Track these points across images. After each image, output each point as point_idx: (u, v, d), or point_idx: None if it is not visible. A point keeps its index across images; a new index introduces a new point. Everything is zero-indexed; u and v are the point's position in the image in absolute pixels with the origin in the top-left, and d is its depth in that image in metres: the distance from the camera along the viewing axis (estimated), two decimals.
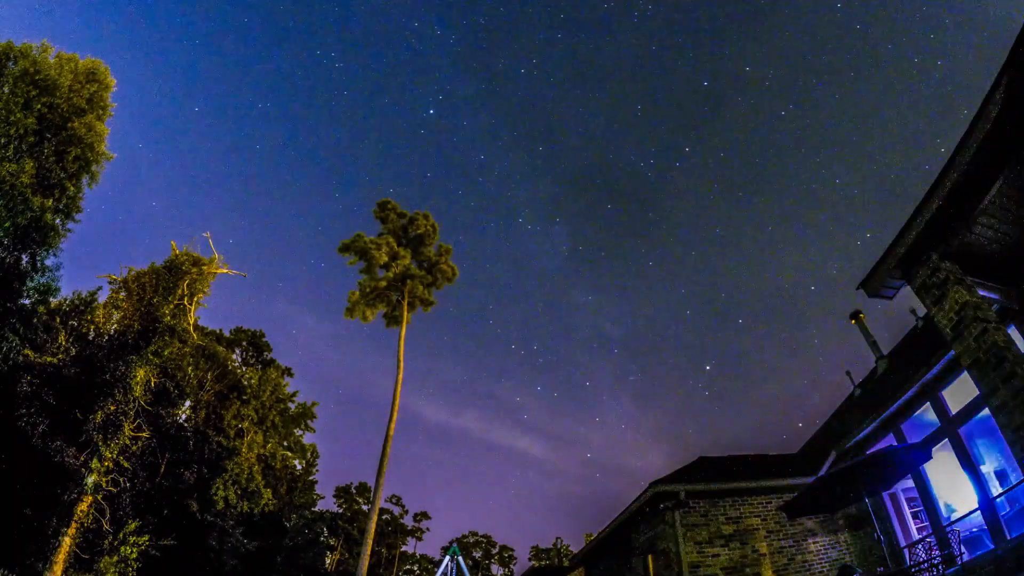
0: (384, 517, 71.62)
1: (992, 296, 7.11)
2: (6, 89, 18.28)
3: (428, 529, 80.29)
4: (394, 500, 74.91)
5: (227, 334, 38.49)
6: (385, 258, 32.99)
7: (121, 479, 16.88)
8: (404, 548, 77.99)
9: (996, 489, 8.99)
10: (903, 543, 11.22)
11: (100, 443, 16.33)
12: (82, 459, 16.01)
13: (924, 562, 8.93)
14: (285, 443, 41.73)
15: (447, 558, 57.16)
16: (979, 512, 8.84)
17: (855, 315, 17.16)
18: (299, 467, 45.99)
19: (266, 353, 39.91)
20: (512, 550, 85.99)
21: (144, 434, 18.03)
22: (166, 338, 18.77)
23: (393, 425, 29.06)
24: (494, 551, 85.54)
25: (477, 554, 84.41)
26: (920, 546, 9.49)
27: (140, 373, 17.72)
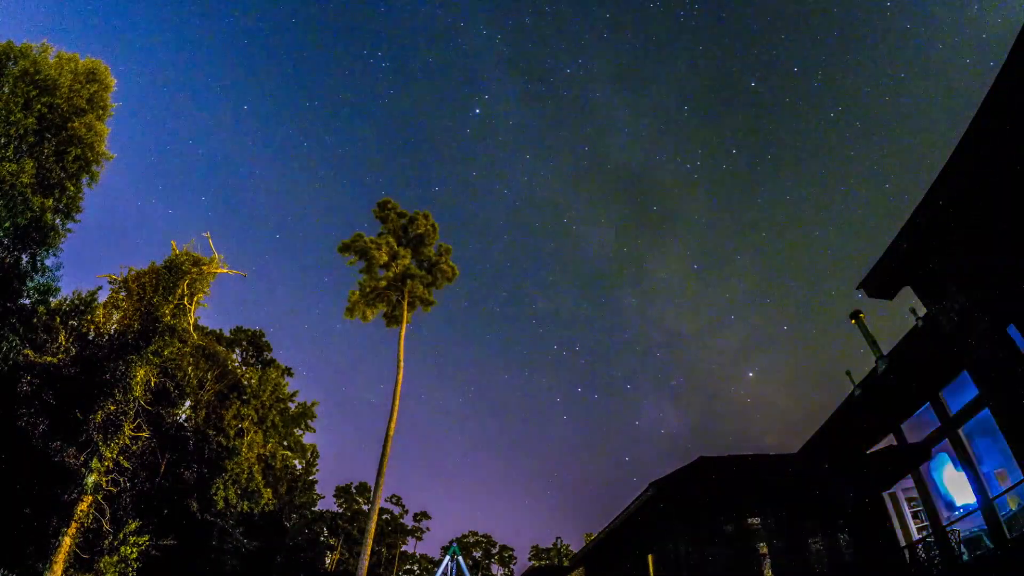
0: (384, 517, 71.62)
1: (992, 296, 7.11)
2: (6, 89, 18.27)
3: (428, 529, 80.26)
4: (394, 500, 74.93)
5: (227, 334, 38.48)
6: (385, 258, 32.99)
7: (121, 479, 16.88)
8: (404, 548, 78.02)
9: (996, 489, 8.98)
10: (903, 543, 11.22)
11: (100, 443, 16.32)
12: (82, 459, 16.01)
13: (924, 562, 8.94)
14: (285, 443, 41.70)
15: (447, 558, 57.17)
16: (979, 512, 8.83)
17: (855, 315, 17.14)
18: (299, 467, 45.97)
19: (266, 353, 39.90)
20: (512, 550, 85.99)
21: (144, 434, 18.02)
22: (166, 338, 18.76)
23: (393, 425, 29.06)
24: (494, 551, 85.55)
25: (477, 554, 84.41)
26: (920, 546, 9.49)
27: (140, 373, 17.71)
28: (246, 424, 32.18)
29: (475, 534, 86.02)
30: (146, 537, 18.06)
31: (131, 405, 17.35)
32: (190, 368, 26.31)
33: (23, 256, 18.13)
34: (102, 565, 16.47)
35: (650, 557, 13.79)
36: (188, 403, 27.84)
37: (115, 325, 19.50)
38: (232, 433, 29.75)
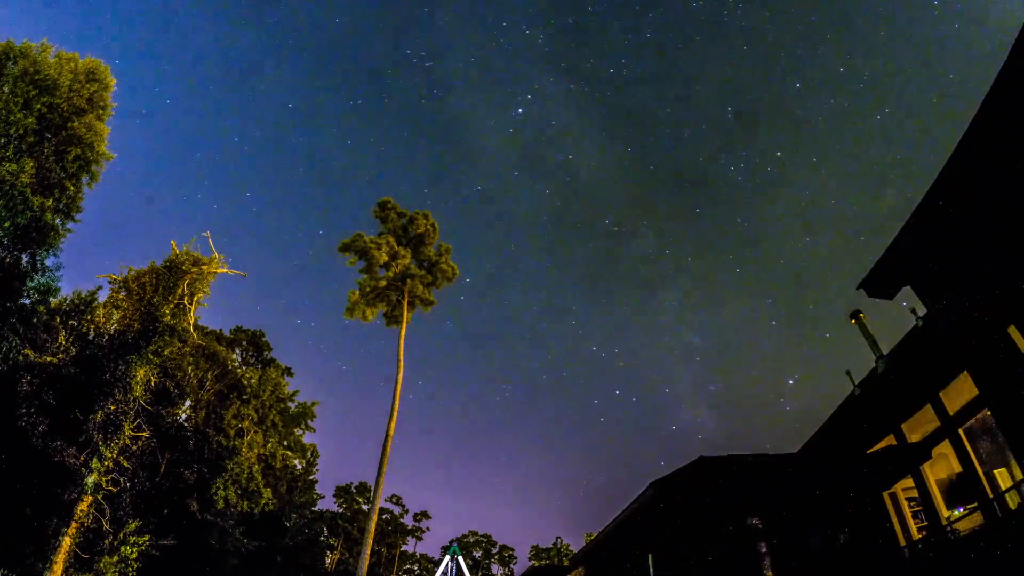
0: (384, 517, 71.64)
1: (992, 296, 7.11)
2: (6, 89, 18.26)
3: (428, 529, 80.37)
4: (394, 500, 74.98)
5: (227, 334, 38.49)
6: (385, 258, 32.99)
7: (121, 479, 16.88)
8: (404, 548, 78.07)
9: (996, 489, 8.98)
10: (903, 543, 11.22)
11: (100, 443, 16.32)
12: (82, 459, 16.01)
13: (924, 562, 8.94)
14: (285, 443, 41.72)
15: (447, 558, 57.24)
16: (979, 512, 8.84)
17: (855, 315, 17.13)
18: (299, 467, 45.99)
19: (266, 353, 39.91)
20: (512, 550, 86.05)
21: (144, 434, 18.02)
22: (166, 338, 18.75)
23: (393, 425, 29.06)
24: (494, 551, 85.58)
25: (477, 554, 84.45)
26: (920, 546, 9.50)
27: (140, 373, 17.71)
28: (246, 424, 32.18)
29: (475, 534, 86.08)
30: (146, 537, 18.07)
31: (131, 405, 17.34)
32: (190, 368, 26.32)
33: (23, 256, 18.13)
34: (102, 565, 16.47)
35: (650, 556, 13.79)
36: (188, 403, 27.86)
37: (115, 325, 19.49)
38: (232, 433, 29.76)
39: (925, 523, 10.89)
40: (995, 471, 9.55)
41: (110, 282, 20.80)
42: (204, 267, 21.52)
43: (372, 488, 40.50)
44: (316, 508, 50.51)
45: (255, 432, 33.60)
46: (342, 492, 65.29)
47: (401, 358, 31.21)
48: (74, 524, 15.68)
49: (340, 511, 60.91)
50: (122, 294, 20.45)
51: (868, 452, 11.37)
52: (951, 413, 9.71)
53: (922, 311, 12.63)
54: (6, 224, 16.69)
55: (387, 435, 28.61)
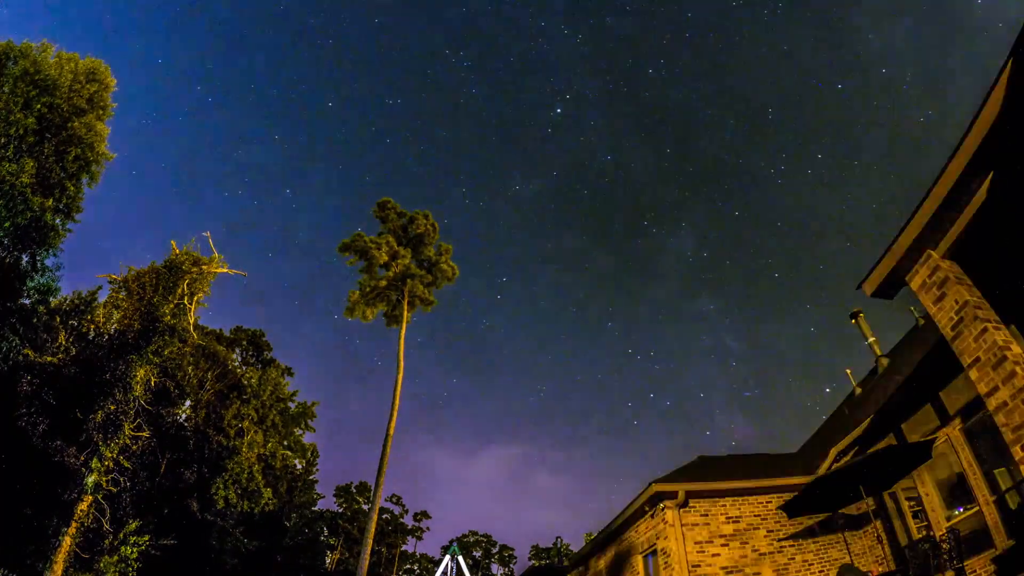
0: (384, 516, 71.69)
1: (992, 295, 7.10)
2: (6, 89, 18.27)
3: (428, 529, 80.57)
4: (394, 500, 75.08)
5: (227, 334, 38.51)
6: (385, 257, 32.99)
7: (121, 479, 16.89)
8: (404, 547, 78.13)
9: (996, 489, 8.98)
10: (903, 543, 11.21)
11: (100, 443, 16.33)
12: (82, 459, 16.01)
13: (924, 562, 8.93)
14: (285, 443, 41.73)
15: (447, 557, 57.29)
16: (979, 512, 8.84)
17: (855, 315, 17.13)
18: (299, 467, 46.01)
19: (266, 352, 39.94)
20: (512, 550, 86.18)
21: (144, 434, 18.02)
22: (166, 337, 18.76)
23: (393, 425, 29.05)
24: (494, 551, 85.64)
25: (477, 553, 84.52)
26: (920, 546, 9.49)
27: (140, 373, 17.72)
28: (246, 424, 32.19)
29: (475, 534, 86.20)
30: (146, 537, 18.09)
31: (131, 405, 17.35)
32: (190, 368, 26.34)
33: (23, 256, 18.15)
34: (102, 565, 16.48)
35: (650, 557, 13.80)
36: (188, 403, 27.87)
37: (115, 325, 19.49)
38: (232, 433, 29.77)
39: (925, 523, 10.89)
40: (995, 471, 9.55)
41: (110, 282, 20.80)
42: (204, 267, 21.52)
43: (372, 488, 40.50)
44: (316, 508, 50.54)
45: (255, 432, 33.61)
46: (342, 492, 65.34)
47: (401, 358, 31.21)
48: (74, 524, 15.69)
49: (340, 511, 60.98)
50: (122, 294, 20.45)
51: (868, 452, 11.36)
52: (951, 413, 9.71)
53: (922, 311, 12.56)
54: (6, 224, 16.70)
55: (387, 435, 28.60)
